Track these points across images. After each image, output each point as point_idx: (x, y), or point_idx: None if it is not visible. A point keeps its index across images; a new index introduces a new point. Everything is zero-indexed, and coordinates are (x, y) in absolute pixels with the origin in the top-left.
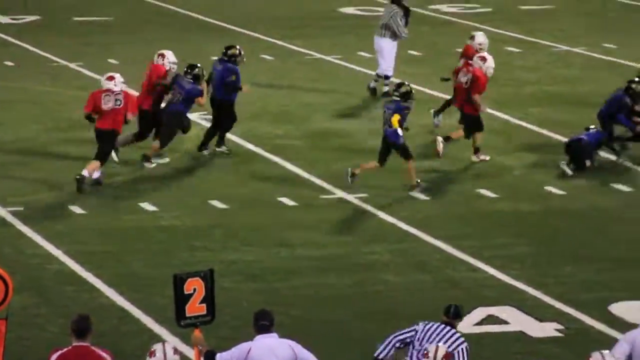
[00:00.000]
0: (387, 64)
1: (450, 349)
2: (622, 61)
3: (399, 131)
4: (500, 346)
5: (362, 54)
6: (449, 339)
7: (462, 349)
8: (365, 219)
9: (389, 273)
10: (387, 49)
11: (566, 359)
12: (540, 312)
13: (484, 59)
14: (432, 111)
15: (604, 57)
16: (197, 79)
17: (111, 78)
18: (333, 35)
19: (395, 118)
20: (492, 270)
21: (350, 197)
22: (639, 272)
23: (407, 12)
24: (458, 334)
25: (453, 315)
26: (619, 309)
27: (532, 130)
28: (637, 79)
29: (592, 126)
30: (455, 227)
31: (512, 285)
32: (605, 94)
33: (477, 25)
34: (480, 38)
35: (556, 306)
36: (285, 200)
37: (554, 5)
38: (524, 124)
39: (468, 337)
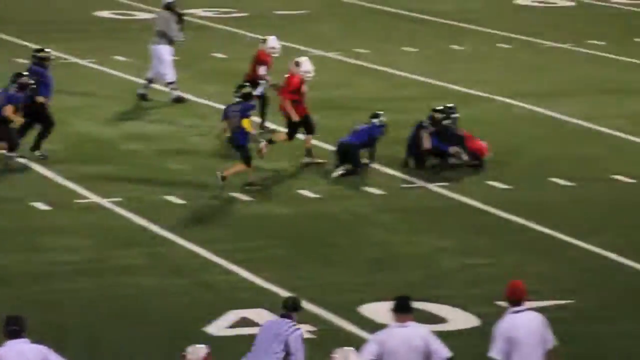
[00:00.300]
0: (166, 70)
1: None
2: (375, 66)
3: (250, 132)
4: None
5: (118, 57)
6: (285, 329)
7: (296, 335)
8: (120, 223)
9: (143, 277)
10: (164, 55)
11: None
12: None
13: (297, 64)
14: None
15: (357, 62)
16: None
17: None
18: (88, 39)
19: (247, 121)
20: (245, 273)
21: (104, 202)
22: (388, 274)
23: (180, 17)
24: (292, 323)
25: (291, 308)
26: (368, 310)
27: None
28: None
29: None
30: (209, 230)
31: (266, 287)
32: (360, 99)
33: (234, 29)
34: (272, 42)
35: (308, 308)
36: (38, 204)
37: (308, 10)
38: (280, 127)
39: (222, 339)
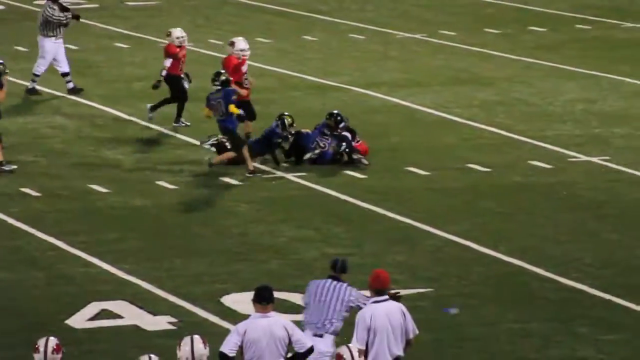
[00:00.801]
0: (61, 63)
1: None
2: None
3: (239, 114)
4: (115, 340)
5: None
6: (341, 291)
7: (355, 295)
8: None
9: (0, 270)
10: (47, 47)
11: None
12: (153, 306)
13: (232, 44)
14: (148, 106)
15: (210, 52)
16: None
17: None
18: None
19: (233, 106)
20: (105, 265)
21: None
22: (247, 264)
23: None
24: (346, 284)
25: (340, 270)
26: (230, 300)
27: (140, 125)
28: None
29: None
30: (67, 223)
31: (126, 279)
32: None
33: (86, 21)
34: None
35: (170, 299)
36: None
37: (159, 2)
38: (133, 119)
39: (83, 332)
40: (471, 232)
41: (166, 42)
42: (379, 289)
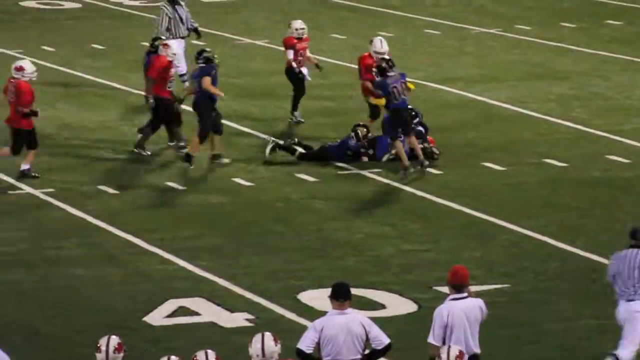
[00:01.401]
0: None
1: None
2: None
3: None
4: (192, 337)
5: (45, 48)
6: None
7: None
8: (52, 213)
9: (78, 267)
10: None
11: None
12: (230, 303)
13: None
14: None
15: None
16: None
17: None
18: (14, 30)
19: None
20: (182, 262)
21: (37, 192)
22: (324, 261)
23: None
24: None
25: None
26: (307, 297)
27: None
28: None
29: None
30: (145, 220)
31: (203, 276)
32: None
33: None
34: (297, 24)
35: (246, 296)
36: None
37: None
38: None
39: (161, 329)
40: (548, 227)
41: (243, 39)
42: (457, 285)
